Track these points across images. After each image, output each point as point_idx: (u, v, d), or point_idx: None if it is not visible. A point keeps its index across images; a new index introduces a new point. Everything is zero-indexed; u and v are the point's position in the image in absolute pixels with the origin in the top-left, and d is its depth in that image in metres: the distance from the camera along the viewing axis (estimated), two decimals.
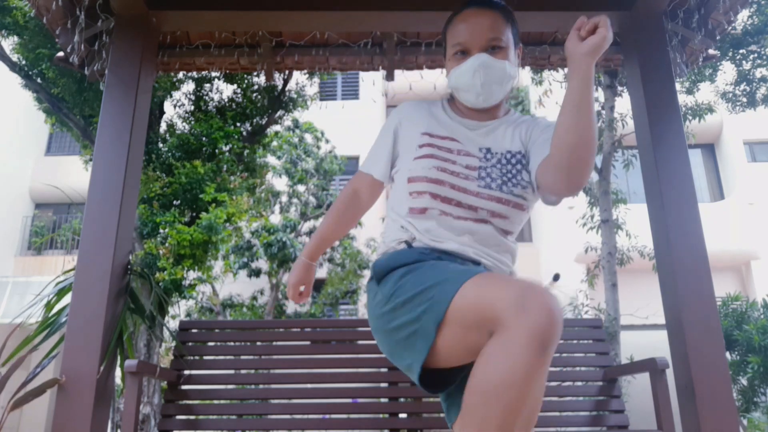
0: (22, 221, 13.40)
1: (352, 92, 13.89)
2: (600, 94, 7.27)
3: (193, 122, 6.86)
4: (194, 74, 6.51)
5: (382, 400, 2.77)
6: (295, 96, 7.55)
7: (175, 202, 6.33)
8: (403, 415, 2.69)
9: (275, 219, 10.26)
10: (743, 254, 10.97)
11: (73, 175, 12.06)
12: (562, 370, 2.90)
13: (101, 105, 2.70)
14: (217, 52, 3.31)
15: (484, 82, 1.33)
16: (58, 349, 2.52)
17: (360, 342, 2.88)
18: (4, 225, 12.96)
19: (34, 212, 13.77)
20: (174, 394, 2.69)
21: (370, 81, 13.03)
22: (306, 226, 10.06)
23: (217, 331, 2.94)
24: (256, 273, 9.30)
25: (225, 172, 6.68)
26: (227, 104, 7.15)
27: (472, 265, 1.30)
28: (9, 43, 6.50)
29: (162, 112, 6.93)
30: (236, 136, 6.83)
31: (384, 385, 2.78)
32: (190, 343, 2.84)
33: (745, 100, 7.02)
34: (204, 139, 6.63)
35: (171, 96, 6.96)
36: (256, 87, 7.22)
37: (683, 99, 7.50)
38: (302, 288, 1.61)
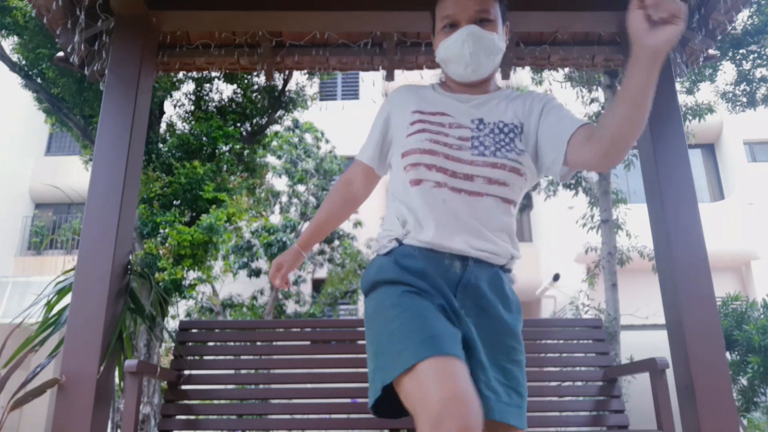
0: (22, 221, 13.40)
1: (352, 92, 13.89)
2: (600, 94, 7.27)
3: (193, 122, 6.86)
4: (194, 74, 6.51)
5: None
6: (295, 96, 7.55)
7: (175, 202, 6.34)
8: None
9: (275, 219, 10.26)
10: (743, 254, 10.97)
11: (73, 175, 12.06)
12: (562, 370, 2.90)
13: (101, 105, 2.70)
14: (217, 52, 3.31)
15: (472, 51, 1.33)
16: (58, 349, 2.52)
17: (360, 342, 2.88)
18: (4, 225, 12.96)
19: (34, 212, 13.78)
20: (174, 394, 2.69)
21: (370, 81, 13.04)
22: (306, 226, 10.05)
23: (217, 331, 2.94)
24: (256, 273, 9.30)
25: (225, 172, 6.68)
26: (227, 104, 7.15)
27: (450, 286, 1.25)
28: (9, 43, 6.50)
29: (162, 112, 6.93)
30: (236, 136, 6.83)
31: None
32: (190, 343, 2.84)
33: (745, 100, 7.02)
34: (204, 139, 6.63)
35: (171, 96, 6.96)
36: (256, 87, 7.22)
37: (683, 99, 7.50)
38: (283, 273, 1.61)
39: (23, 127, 13.77)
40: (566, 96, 6.77)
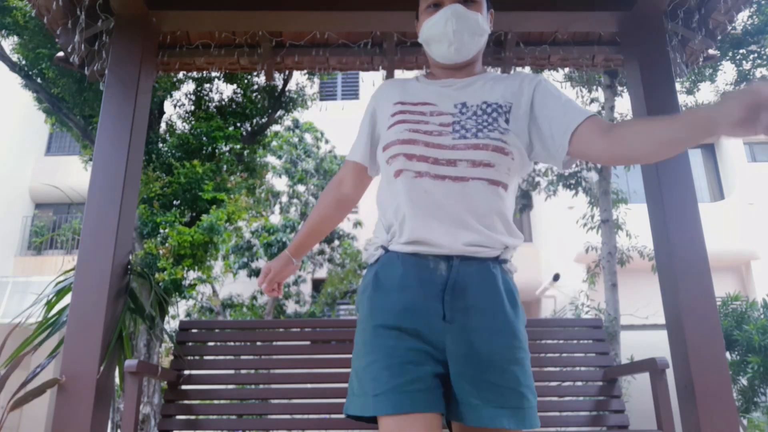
0: (22, 221, 13.41)
1: (352, 92, 13.89)
2: (600, 94, 7.27)
3: (193, 122, 6.86)
4: (194, 74, 6.51)
5: None
6: (295, 96, 7.55)
7: (175, 202, 6.34)
8: None
9: (275, 219, 10.26)
10: (743, 254, 10.97)
11: (73, 175, 12.05)
12: (562, 370, 2.90)
13: (101, 105, 2.71)
14: (217, 52, 3.31)
15: (456, 29, 1.31)
16: (58, 349, 2.52)
17: None
18: (4, 225, 12.97)
19: (34, 212, 13.78)
20: (174, 394, 2.69)
21: (370, 81, 13.03)
22: None
23: (217, 331, 2.94)
24: (256, 273, 9.30)
25: (225, 172, 6.68)
26: (227, 104, 7.15)
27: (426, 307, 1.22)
28: (9, 43, 6.50)
29: (162, 112, 6.93)
30: (237, 137, 6.83)
31: None
32: (190, 343, 2.84)
33: None
34: (204, 139, 6.63)
35: (171, 96, 6.96)
36: (256, 87, 7.22)
37: (683, 99, 7.50)
38: (272, 280, 1.57)
39: (23, 127, 13.77)
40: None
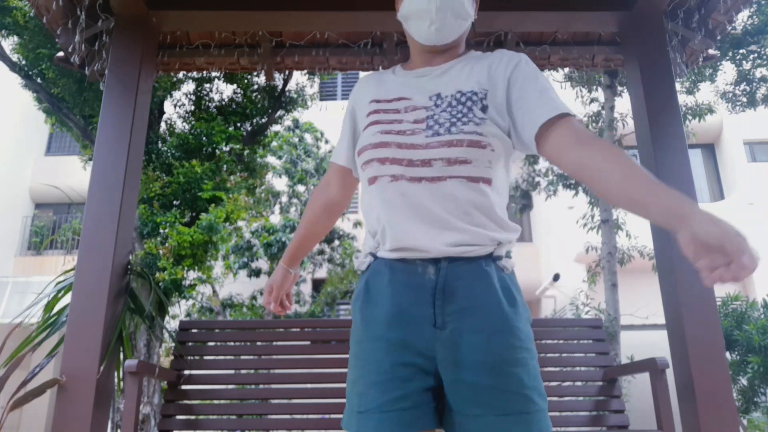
0: (22, 221, 13.41)
1: None
2: (600, 94, 7.27)
3: (193, 122, 6.86)
4: (194, 74, 6.51)
5: None
6: (295, 96, 7.55)
7: (175, 202, 6.34)
8: None
9: (275, 219, 10.27)
10: None
11: (73, 175, 12.06)
12: (562, 370, 2.90)
13: (101, 105, 2.71)
14: (217, 52, 3.31)
15: (439, 7, 1.23)
16: (58, 349, 2.52)
17: None
18: (4, 225, 12.97)
19: (34, 212, 13.78)
20: (174, 394, 2.69)
21: None
22: None
23: (217, 331, 2.94)
24: (256, 273, 9.31)
25: (224, 172, 6.68)
26: (227, 104, 7.15)
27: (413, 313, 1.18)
28: (9, 43, 6.50)
29: (162, 112, 6.93)
30: (237, 137, 6.84)
31: None
32: (190, 343, 2.84)
33: (745, 100, 7.02)
34: (204, 139, 6.63)
35: (171, 96, 6.96)
36: (256, 87, 7.23)
37: (683, 99, 7.50)
38: (277, 297, 1.53)
39: (23, 127, 13.77)
40: (566, 96, 6.76)
